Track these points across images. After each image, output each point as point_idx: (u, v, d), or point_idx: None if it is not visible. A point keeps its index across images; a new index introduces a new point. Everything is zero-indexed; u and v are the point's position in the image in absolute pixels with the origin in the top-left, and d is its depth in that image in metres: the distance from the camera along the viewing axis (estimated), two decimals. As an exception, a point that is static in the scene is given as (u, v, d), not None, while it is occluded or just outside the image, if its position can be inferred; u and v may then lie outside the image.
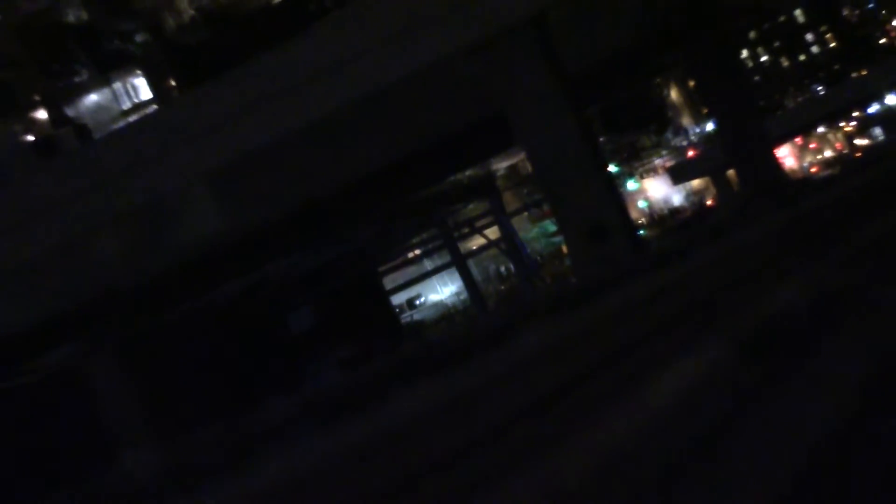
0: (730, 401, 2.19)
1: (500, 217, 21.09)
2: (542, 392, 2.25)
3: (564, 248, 28.62)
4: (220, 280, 10.61)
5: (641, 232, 29.58)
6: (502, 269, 29.21)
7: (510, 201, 28.93)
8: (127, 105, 18.30)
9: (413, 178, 13.74)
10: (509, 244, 21.40)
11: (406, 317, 26.04)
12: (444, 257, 24.15)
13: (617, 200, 9.35)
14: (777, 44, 36.12)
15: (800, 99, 33.97)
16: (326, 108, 7.79)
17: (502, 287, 27.48)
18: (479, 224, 21.72)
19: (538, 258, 28.73)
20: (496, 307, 22.02)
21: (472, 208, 24.32)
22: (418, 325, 24.16)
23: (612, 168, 30.95)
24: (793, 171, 31.41)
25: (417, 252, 24.95)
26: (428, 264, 26.33)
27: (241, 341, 13.47)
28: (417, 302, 28.05)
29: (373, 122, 8.91)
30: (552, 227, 30.14)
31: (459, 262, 21.34)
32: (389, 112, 8.90)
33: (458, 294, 27.44)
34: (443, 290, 29.15)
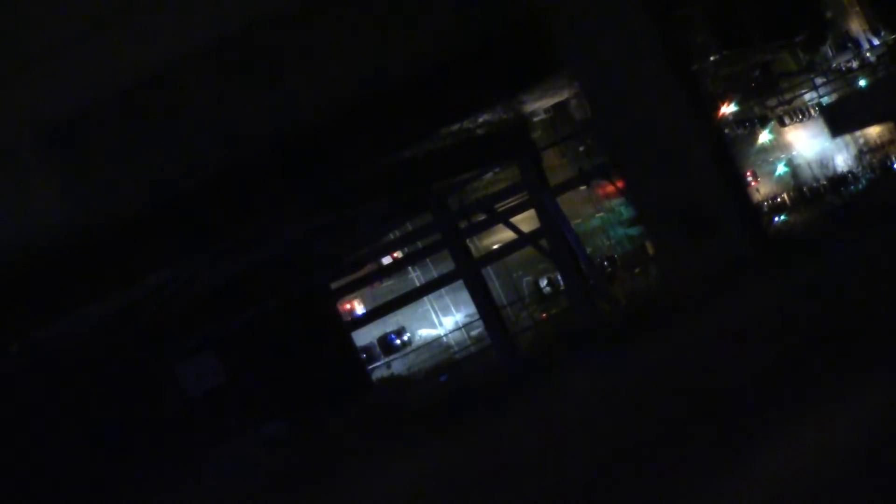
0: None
1: (540, 194, 21.10)
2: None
3: (649, 247, 30.34)
4: (58, 310, 9.98)
5: (781, 218, 30.24)
6: (543, 282, 31.33)
7: (555, 166, 30.89)
8: None
9: (395, 126, 14.48)
10: (555, 240, 21.55)
11: (379, 366, 26.50)
12: (444, 264, 25.98)
13: (730, 168, 9.69)
14: None
15: None
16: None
17: (543, 314, 28.73)
18: (501, 207, 21.57)
19: (604, 263, 30.32)
20: (532, 348, 22.10)
21: (492, 180, 25.36)
22: (400, 381, 24.18)
23: (728, 109, 31.47)
24: None
25: (398, 255, 25.55)
26: (417, 276, 28.15)
27: (92, 411, 12.99)
28: (398, 341, 29.27)
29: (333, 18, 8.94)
30: (628, 212, 31.55)
31: (470, 273, 21.81)
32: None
33: (467, 326, 28.54)
34: (442, 321, 30.51)
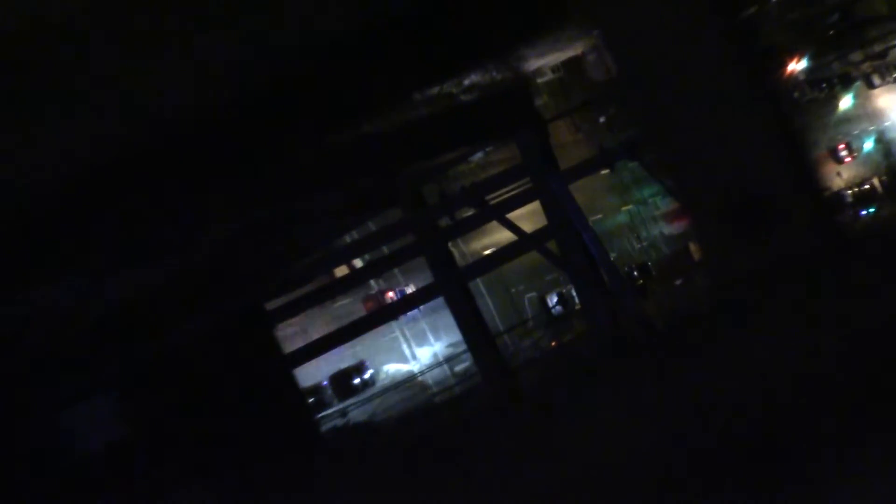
0: None
1: (547, 181, 21.53)
2: None
3: (693, 249, 30.83)
4: None
5: (870, 211, 30.51)
6: (552, 299, 31.80)
7: (567, 143, 31.17)
8: None
9: (352, 91, 14.80)
10: (567, 243, 21.94)
11: (332, 413, 26.59)
12: (419, 276, 26.84)
13: (797, 144, 9.96)
14: None
15: None
16: None
17: (552, 342, 29.05)
18: (496, 199, 21.91)
19: (633, 272, 30.91)
20: (537, 389, 22.34)
21: (483, 163, 25.71)
22: (359, 434, 24.29)
23: (798, 66, 31.71)
24: None
25: (359, 265, 25.71)
26: (381, 295, 28.44)
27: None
28: (357, 380, 29.48)
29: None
30: (665, 204, 32.09)
31: (454, 288, 22.19)
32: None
33: (449, 359, 28.71)
34: (416, 353, 30.67)
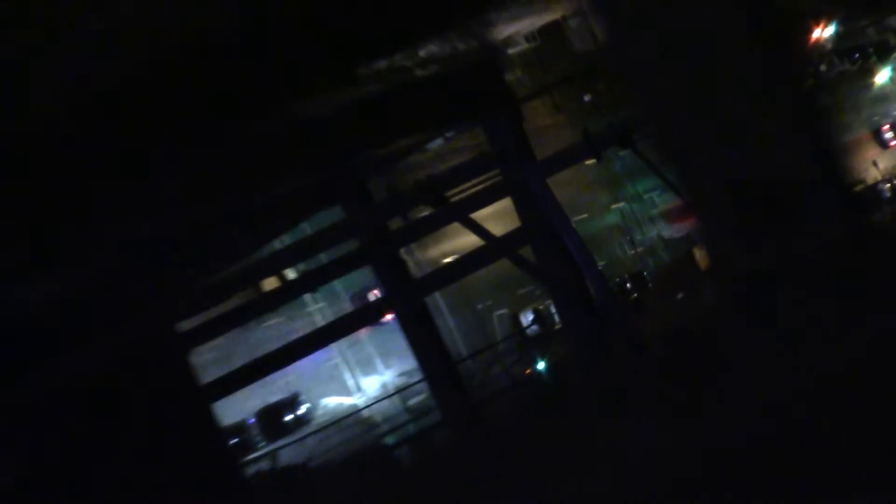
0: None
1: (520, 174, 22.01)
2: None
3: (699, 255, 31.31)
4: None
5: None
6: (527, 317, 32.03)
7: (545, 128, 31.54)
8: None
9: (277, 65, 14.99)
10: (545, 248, 22.42)
11: (260, 458, 26.54)
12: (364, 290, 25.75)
13: (818, 132, 10.25)
14: None
15: None
16: None
17: (527, 370, 29.19)
18: (458, 196, 22.29)
19: (626, 284, 31.34)
20: (508, 425, 22.50)
21: (442, 151, 26.28)
22: (291, 480, 24.38)
23: (825, 33, 32.09)
24: None
25: (291, 276, 26.40)
26: (319, 310, 28.49)
27: None
28: (290, 416, 29.50)
29: None
30: (665, 201, 32.61)
31: (406, 304, 22.64)
32: None
33: (402, 390, 28.91)
34: (361, 383, 30.82)
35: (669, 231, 36.19)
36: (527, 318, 33.10)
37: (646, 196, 36.35)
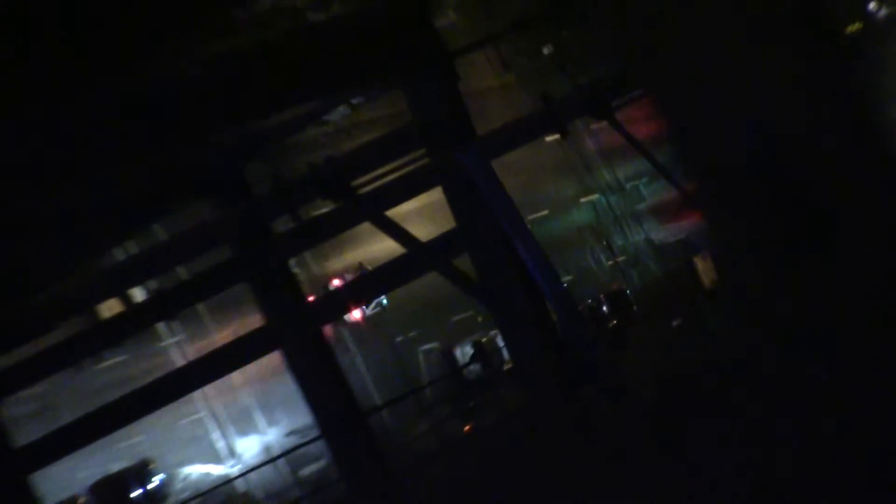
0: None
1: (457, 153, 22.03)
2: None
3: (701, 266, 31.51)
4: None
5: None
6: (463, 349, 31.93)
7: (490, 91, 31.34)
8: None
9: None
10: (488, 256, 22.85)
11: None
12: (243, 316, 26.71)
13: (863, 91, 10.45)
14: None
15: None
16: None
17: (466, 425, 29.13)
18: (367, 185, 22.23)
19: (602, 306, 31.43)
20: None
21: (348, 124, 26.75)
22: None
23: None
24: None
25: (140, 299, 26.53)
26: (177, 344, 29.84)
27: None
28: (139, 490, 29.33)
29: None
30: (650, 191, 32.77)
31: (297, 333, 22.79)
32: None
33: (290, 453, 29.43)
34: (235, 444, 30.57)
35: (661, 233, 36.46)
36: (464, 354, 32.92)
37: (629, 186, 36.60)
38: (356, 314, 32.87)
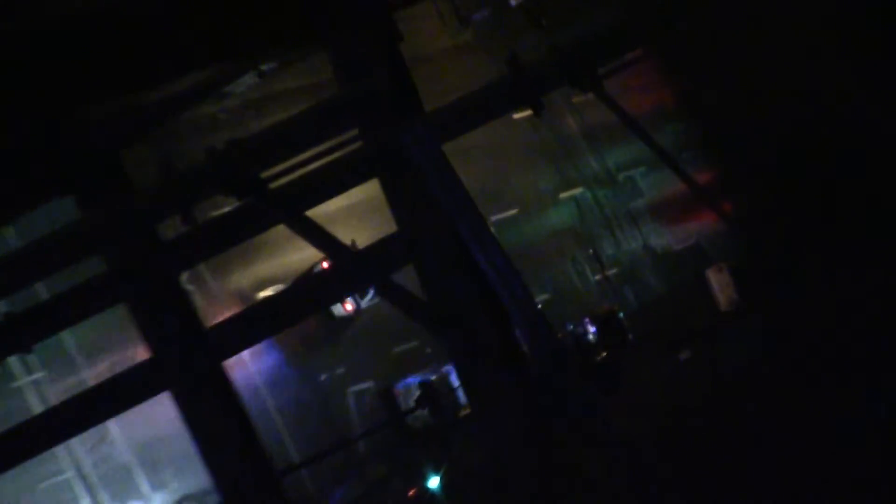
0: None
1: (399, 135, 21.99)
2: None
3: (716, 282, 31.61)
4: None
5: None
6: (410, 394, 31.63)
7: (442, 54, 32.14)
8: None
9: None
10: (438, 268, 23.19)
11: None
12: (120, 349, 26.70)
13: None
14: None
15: None
16: None
17: (411, 489, 29.10)
18: (279, 177, 22.38)
19: (586, 332, 31.36)
20: None
21: (254, 97, 27.62)
22: None
23: None
24: None
25: None
26: (34, 384, 29.52)
27: None
28: None
29: None
30: (647, 182, 32.98)
31: (191, 370, 22.87)
32: None
33: None
34: None
35: (664, 239, 36.61)
36: (408, 395, 32.86)
37: (621, 177, 36.72)
38: (347, 306, 32.85)
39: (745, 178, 34.90)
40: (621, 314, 34.53)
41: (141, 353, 23.53)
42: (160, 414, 26.15)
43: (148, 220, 22.29)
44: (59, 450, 30.40)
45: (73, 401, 23.35)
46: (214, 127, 26.89)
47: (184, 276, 23.81)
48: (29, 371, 32.02)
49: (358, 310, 32.39)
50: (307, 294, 23.12)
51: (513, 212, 34.79)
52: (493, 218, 28.34)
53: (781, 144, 32.83)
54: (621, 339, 33.73)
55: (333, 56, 22.53)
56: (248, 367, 31.07)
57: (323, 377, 33.24)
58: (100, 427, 25.39)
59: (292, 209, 21.76)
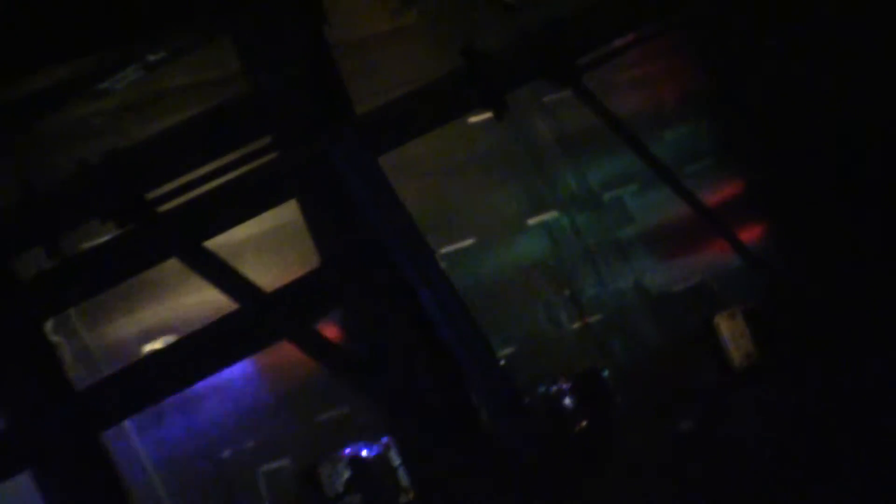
0: None
1: (323, 144, 22.48)
2: None
3: (727, 331, 31.84)
4: None
5: None
6: (337, 474, 31.69)
7: (378, 41, 32.56)
8: None
9: None
10: (368, 313, 23.40)
11: None
12: None
13: None
14: None
15: None
16: None
17: None
18: (173, 197, 22.61)
19: (564, 396, 31.33)
20: None
21: (138, 97, 28.16)
22: None
23: None
24: None
25: None
26: None
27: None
28: None
29: None
30: (638, 203, 33.13)
31: (57, 445, 22.89)
32: None
33: None
34: None
35: (661, 276, 36.77)
36: (336, 476, 32.65)
37: (607, 198, 36.83)
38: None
39: (776, 196, 35.08)
40: (606, 372, 34.74)
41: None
42: (16, 502, 26.31)
43: (1, 254, 22.36)
44: None
45: None
46: (87, 134, 27.02)
47: (48, 325, 23.88)
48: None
49: None
50: (207, 348, 23.09)
51: (468, 242, 34.79)
52: (444, 250, 28.51)
53: (831, 153, 33.04)
54: (606, 405, 33.87)
55: (240, 44, 22.67)
56: (131, 439, 31.01)
57: (226, 453, 33.06)
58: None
59: (187, 239, 21.88)
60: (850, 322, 28.50)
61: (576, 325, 36.74)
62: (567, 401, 33.53)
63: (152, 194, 21.65)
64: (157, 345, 29.67)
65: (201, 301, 25.45)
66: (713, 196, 33.68)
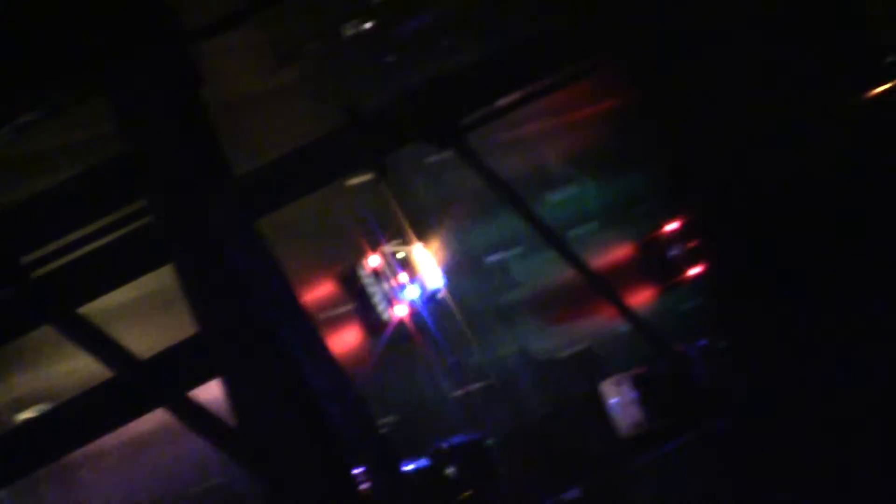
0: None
1: (196, 210, 22.29)
2: None
3: (615, 395, 32.08)
4: None
5: None
6: None
7: (252, 95, 31.91)
8: None
9: None
10: (245, 384, 22.82)
11: None
12: None
13: None
14: None
15: None
16: None
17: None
18: (40, 266, 22.54)
19: (445, 468, 31.29)
20: None
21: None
22: None
23: None
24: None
25: None
26: None
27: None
28: None
29: None
30: (523, 265, 33.28)
31: None
32: None
33: None
34: None
35: (547, 342, 36.86)
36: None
37: (489, 261, 36.94)
38: (401, 311, 32.78)
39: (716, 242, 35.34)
40: (489, 441, 34.78)
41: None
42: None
43: None
44: None
45: None
46: None
47: None
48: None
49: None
50: (82, 416, 23.01)
51: (348, 307, 34.81)
52: (325, 315, 28.44)
53: (724, 209, 33.26)
54: (489, 474, 33.86)
55: (115, 103, 22.59)
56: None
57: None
58: None
59: (60, 305, 21.85)
60: (757, 386, 28.64)
61: (458, 393, 36.75)
62: (449, 470, 33.49)
63: (25, 259, 21.51)
64: (30, 413, 29.54)
65: (75, 368, 25.34)
66: (599, 259, 33.82)
